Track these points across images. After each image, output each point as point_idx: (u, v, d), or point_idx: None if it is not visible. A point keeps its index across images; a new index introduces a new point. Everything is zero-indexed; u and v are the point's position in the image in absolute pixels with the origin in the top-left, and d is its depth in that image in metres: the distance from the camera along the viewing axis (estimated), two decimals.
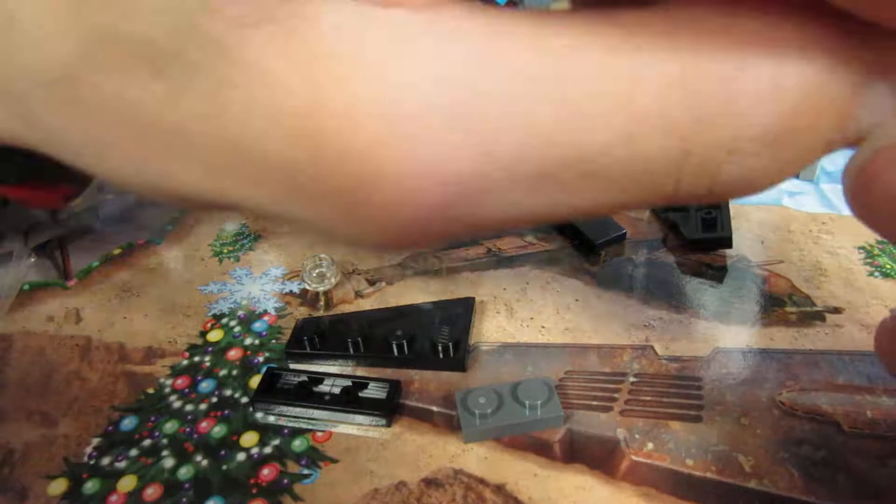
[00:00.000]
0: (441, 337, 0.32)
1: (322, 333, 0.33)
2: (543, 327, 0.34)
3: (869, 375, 0.31)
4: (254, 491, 0.28)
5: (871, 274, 0.36)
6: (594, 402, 0.30)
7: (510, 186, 0.11)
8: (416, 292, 0.37)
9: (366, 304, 0.36)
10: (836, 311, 0.34)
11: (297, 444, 0.30)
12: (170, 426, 0.31)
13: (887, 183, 0.13)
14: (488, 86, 0.11)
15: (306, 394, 0.31)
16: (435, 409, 0.31)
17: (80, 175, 0.14)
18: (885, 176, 0.13)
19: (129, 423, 0.31)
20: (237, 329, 0.35)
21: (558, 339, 0.34)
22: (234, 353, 0.34)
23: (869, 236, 0.38)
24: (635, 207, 0.13)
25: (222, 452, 0.30)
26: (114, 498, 0.28)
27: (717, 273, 0.37)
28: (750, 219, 0.39)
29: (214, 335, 0.35)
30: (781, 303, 0.34)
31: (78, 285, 0.39)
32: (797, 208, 0.40)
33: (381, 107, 0.11)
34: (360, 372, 0.33)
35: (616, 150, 0.11)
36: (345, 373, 0.33)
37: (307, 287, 0.37)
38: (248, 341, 0.35)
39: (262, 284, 0.38)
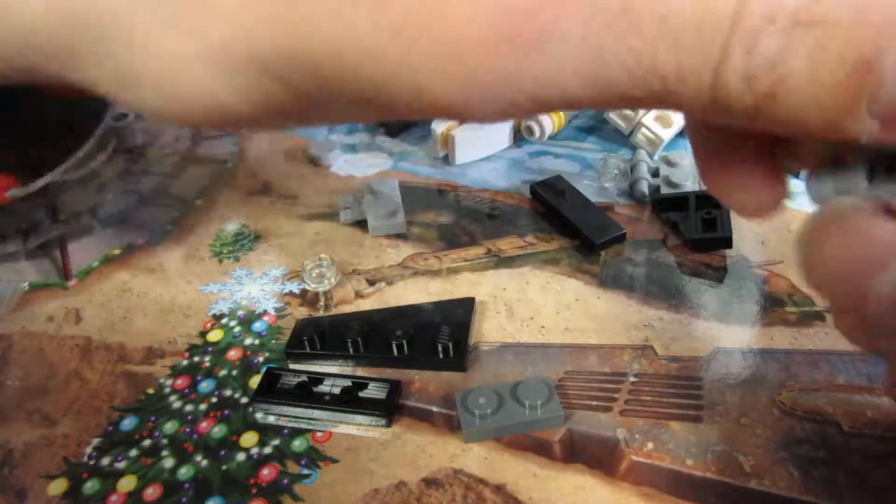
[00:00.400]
0: (441, 337, 0.32)
1: (322, 333, 0.33)
2: (543, 327, 0.34)
3: (869, 375, 0.31)
4: (253, 491, 0.28)
5: None
6: (594, 402, 0.30)
7: None
8: (416, 292, 0.37)
9: (366, 305, 0.36)
10: None
11: (297, 444, 0.30)
12: (170, 426, 0.31)
13: (827, 253, 0.15)
14: None
15: (306, 394, 0.31)
16: (435, 409, 0.31)
17: (20, 168, 0.16)
18: (823, 245, 0.15)
19: (129, 423, 0.31)
20: (237, 329, 0.35)
21: (558, 340, 0.34)
22: (234, 354, 0.34)
23: None
24: None
25: (222, 452, 0.30)
26: (114, 498, 0.28)
27: (717, 273, 0.37)
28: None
29: (214, 335, 0.35)
30: (781, 303, 0.34)
31: (78, 285, 0.39)
32: (797, 208, 0.40)
33: None
34: (360, 372, 0.33)
35: None
36: (345, 373, 0.33)
37: (307, 287, 0.37)
38: (248, 341, 0.35)
39: (262, 284, 0.38)
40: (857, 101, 0.13)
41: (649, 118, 0.45)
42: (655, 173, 0.42)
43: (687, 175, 0.41)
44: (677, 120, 0.44)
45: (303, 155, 0.48)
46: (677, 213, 0.39)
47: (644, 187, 0.41)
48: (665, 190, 0.41)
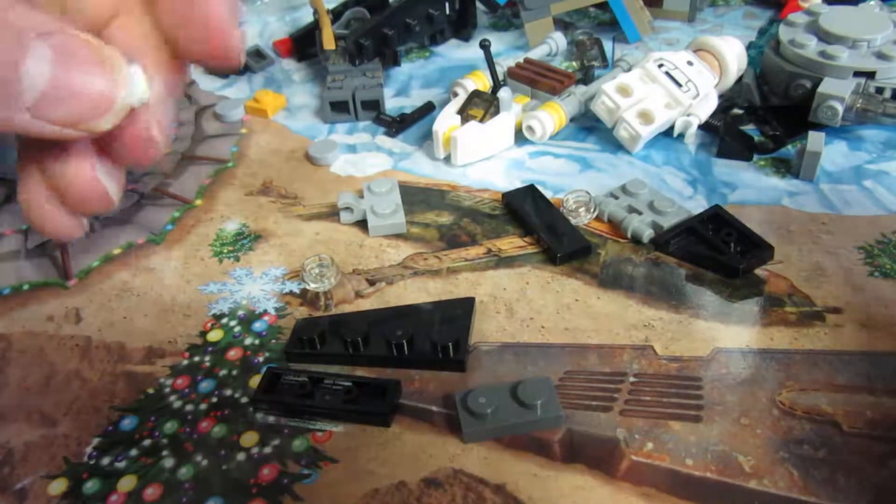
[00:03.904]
0: (441, 337, 0.32)
1: (322, 333, 0.33)
2: (543, 327, 0.34)
3: (868, 375, 0.31)
4: (254, 491, 0.28)
5: (871, 274, 0.36)
6: (594, 402, 0.30)
7: None
8: (415, 292, 0.37)
9: (366, 304, 0.36)
10: (836, 311, 0.34)
11: (297, 444, 0.30)
12: (170, 426, 0.31)
13: None
14: None
15: (306, 394, 0.31)
16: (435, 409, 0.31)
17: None
18: None
19: (129, 422, 0.31)
20: (237, 329, 0.35)
21: (558, 339, 0.34)
22: (234, 353, 0.34)
23: (869, 236, 0.38)
24: None
25: (222, 452, 0.30)
26: (114, 498, 0.28)
27: (718, 274, 0.36)
28: (750, 219, 0.39)
29: (214, 335, 0.35)
30: (781, 303, 0.34)
31: (78, 285, 0.39)
32: (797, 208, 0.40)
33: None
34: (360, 372, 0.33)
35: None
36: (345, 373, 0.33)
37: (307, 287, 0.37)
38: (248, 341, 0.35)
39: (262, 284, 0.38)
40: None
41: (630, 114, 0.44)
42: (632, 209, 0.40)
43: (672, 202, 0.39)
44: (658, 117, 0.44)
45: (303, 155, 0.48)
46: (691, 245, 0.37)
47: (645, 233, 0.38)
48: (651, 219, 0.39)
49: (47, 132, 0.16)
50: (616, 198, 0.41)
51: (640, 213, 0.39)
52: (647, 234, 0.38)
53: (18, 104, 0.15)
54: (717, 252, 0.36)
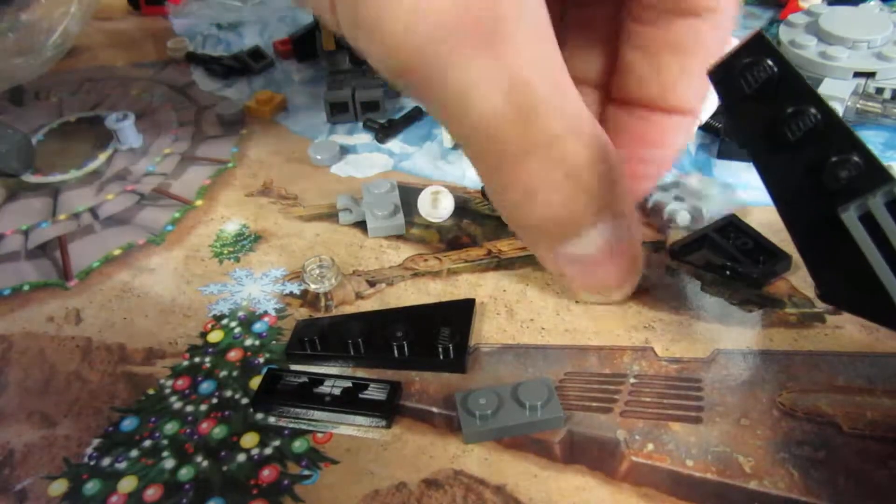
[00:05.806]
0: (441, 338, 0.32)
1: (322, 335, 0.33)
2: (543, 329, 0.34)
3: (869, 376, 0.31)
4: (254, 492, 0.28)
5: None
6: (594, 404, 0.30)
7: None
8: (416, 293, 0.37)
9: (366, 305, 0.36)
10: (836, 312, 0.34)
11: (298, 445, 0.30)
12: (170, 427, 0.31)
13: None
14: None
15: (307, 395, 0.31)
16: (435, 410, 0.31)
17: None
18: None
19: (129, 423, 0.31)
20: (237, 330, 0.35)
21: (558, 341, 0.34)
22: (234, 354, 0.34)
23: None
24: None
25: (223, 453, 0.30)
26: (114, 499, 0.28)
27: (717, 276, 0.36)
28: (750, 219, 0.39)
29: (215, 336, 0.35)
30: (781, 304, 0.34)
31: (78, 285, 0.39)
32: None
33: None
34: (361, 373, 0.33)
35: None
36: (345, 374, 0.33)
37: (307, 288, 0.37)
38: (248, 342, 0.35)
39: (263, 285, 0.38)
40: None
41: None
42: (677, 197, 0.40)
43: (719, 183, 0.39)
44: None
45: (303, 155, 0.48)
46: (706, 254, 0.37)
47: (680, 214, 0.38)
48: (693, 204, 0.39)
49: (566, 272, 0.21)
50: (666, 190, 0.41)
51: (682, 200, 0.40)
52: (682, 216, 0.39)
53: (558, 248, 0.19)
54: (733, 262, 0.36)
